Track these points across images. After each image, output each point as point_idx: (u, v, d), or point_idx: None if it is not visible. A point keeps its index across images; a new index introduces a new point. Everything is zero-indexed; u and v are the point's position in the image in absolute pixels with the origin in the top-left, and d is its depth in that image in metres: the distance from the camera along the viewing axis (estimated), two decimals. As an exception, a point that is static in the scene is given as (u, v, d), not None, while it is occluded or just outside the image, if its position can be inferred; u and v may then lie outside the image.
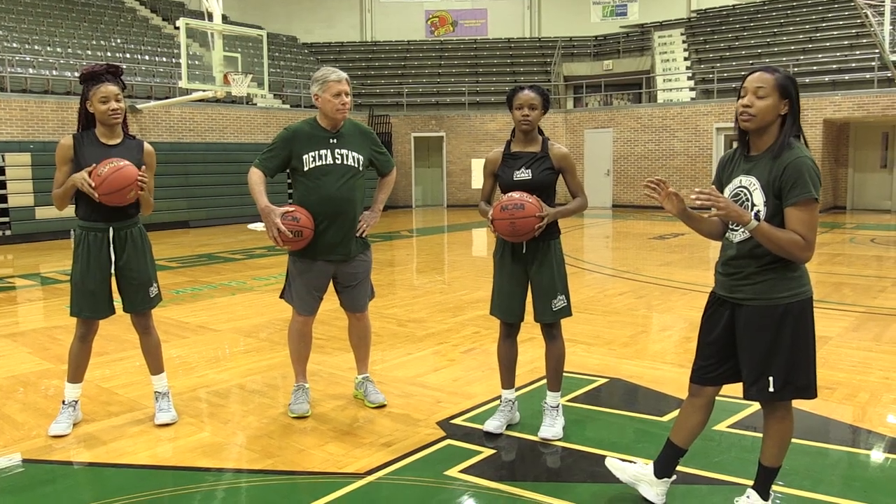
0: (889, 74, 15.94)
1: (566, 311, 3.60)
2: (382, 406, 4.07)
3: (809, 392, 2.61)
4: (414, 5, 27.16)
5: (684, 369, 4.72)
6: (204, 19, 13.92)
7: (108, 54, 17.45)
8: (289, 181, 3.83)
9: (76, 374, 3.81)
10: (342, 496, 3.00)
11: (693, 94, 20.25)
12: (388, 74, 24.23)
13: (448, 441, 3.59)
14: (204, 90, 13.26)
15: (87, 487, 3.17)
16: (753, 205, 2.49)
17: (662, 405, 4.10)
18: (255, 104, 18.38)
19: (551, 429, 3.61)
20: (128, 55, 17.89)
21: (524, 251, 3.55)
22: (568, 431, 3.70)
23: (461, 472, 3.23)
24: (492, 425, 3.68)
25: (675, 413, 3.97)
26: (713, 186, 2.57)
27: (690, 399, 2.84)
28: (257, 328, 6.15)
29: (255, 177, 3.81)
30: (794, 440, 3.54)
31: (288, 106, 19.55)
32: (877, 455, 3.47)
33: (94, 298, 3.70)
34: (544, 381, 4.56)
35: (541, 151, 3.57)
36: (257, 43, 17.36)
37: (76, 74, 15.69)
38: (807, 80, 17.91)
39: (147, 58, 18.29)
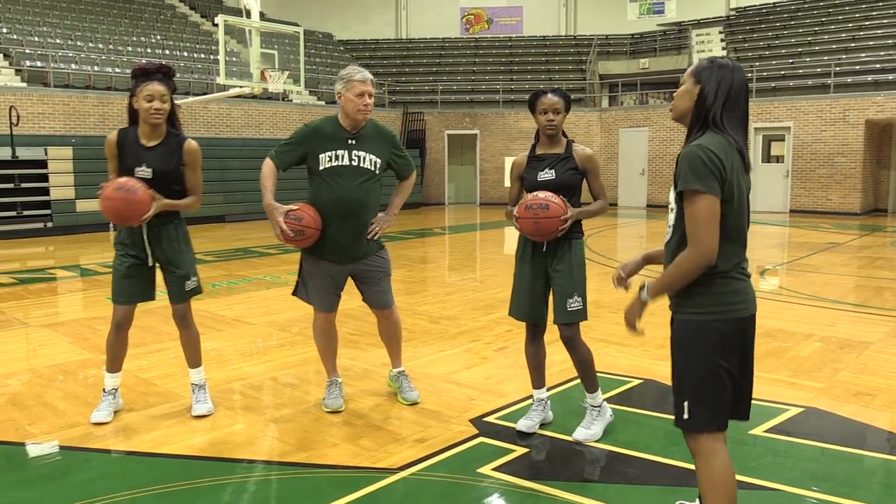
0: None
1: (581, 315, 3.53)
2: (415, 404, 4.07)
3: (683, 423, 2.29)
4: (449, 2, 27.15)
5: (720, 372, 4.66)
6: (241, 16, 14.08)
7: (148, 50, 17.74)
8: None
9: (114, 364, 3.89)
10: (377, 490, 3.02)
11: (731, 93, 19.91)
12: (422, 72, 24.27)
13: (481, 439, 3.59)
14: (241, 86, 13.41)
15: (124, 476, 3.23)
16: (672, 208, 2.30)
17: (697, 408, 4.05)
18: (291, 101, 18.55)
19: (586, 431, 3.59)
20: (167, 51, 18.17)
21: (545, 249, 3.54)
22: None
23: (494, 470, 3.23)
24: (525, 424, 3.68)
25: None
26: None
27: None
28: (291, 322, 6.21)
29: (267, 170, 3.81)
30: (832, 446, 3.50)
31: (323, 102, 19.69)
32: (919, 464, 3.39)
33: (129, 284, 3.78)
34: (577, 380, 4.57)
35: (565, 152, 3.58)
36: (293, 40, 17.50)
37: (117, 70, 16.00)
38: (849, 79, 17.54)
39: (185, 54, 18.55)
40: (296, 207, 3.74)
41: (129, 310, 3.85)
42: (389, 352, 4.22)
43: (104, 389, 3.93)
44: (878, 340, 5.46)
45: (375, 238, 3.89)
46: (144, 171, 3.67)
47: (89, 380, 4.61)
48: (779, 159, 18.15)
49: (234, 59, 17.50)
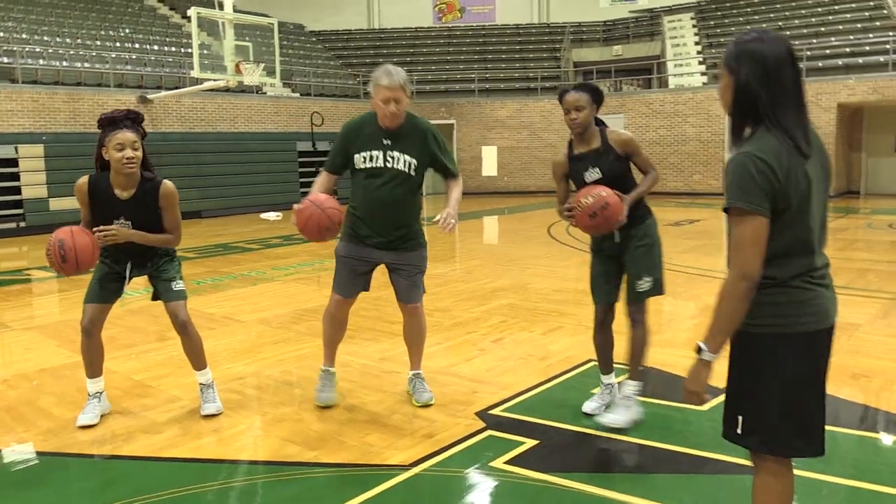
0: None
1: (650, 293, 3.56)
2: (428, 405, 3.98)
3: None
4: (421, -8, 26.99)
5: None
6: (212, 8, 13.86)
7: (118, 44, 17.41)
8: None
9: (91, 369, 3.83)
10: (391, 488, 3.00)
11: (705, 79, 20.10)
12: (396, 62, 23.99)
13: (489, 432, 3.58)
14: (216, 80, 13.21)
15: (132, 481, 3.16)
16: None
17: (700, 394, 4.07)
18: (265, 93, 18.33)
19: (613, 415, 3.55)
20: (136, 45, 17.85)
21: (617, 240, 3.56)
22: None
23: (506, 463, 3.22)
24: (590, 406, 3.76)
25: (714, 402, 3.96)
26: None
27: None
28: (283, 318, 6.14)
29: (321, 177, 3.82)
30: (835, 428, 3.54)
31: (298, 94, 19.48)
32: (922, 443, 3.44)
33: (100, 288, 3.74)
34: (578, 370, 4.58)
35: (602, 145, 3.54)
36: (266, 32, 17.30)
37: (86, 65, 15.68)
38: (820, 63, 17.76)
39: (156, 47, 18.24)
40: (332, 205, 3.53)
41: (97, 311, 3.74)
42: (410, 353, 4.14)
43: (89, 394, 3.86)
44: (866, 322, 5.53)
45: (451, 231, 3.67)
46: (123, 224, 3.61)
47: (82, 383, 4.50)
48: (753, 144, 18.35)
49: (205, 51, 17.22)
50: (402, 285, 3.94)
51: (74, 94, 14.39)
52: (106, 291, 3.76)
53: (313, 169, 18.23)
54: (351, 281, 3.90)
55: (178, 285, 3.82)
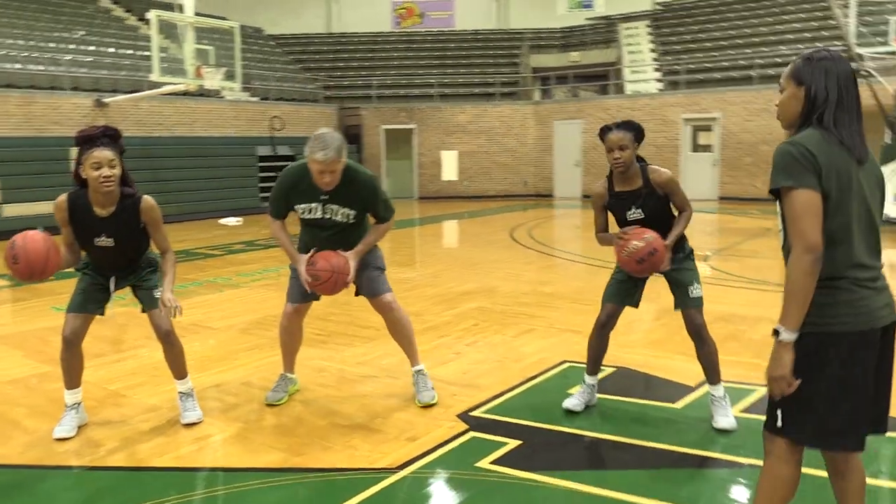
0: (855, 66, 16.37)
1: (702, 301, 3.68)
2: (430, 406, 4.02)
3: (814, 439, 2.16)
4: (380, -4, 26.99)
5: (685, 357, 4.82)
6: (170, 10, 13.68)
7: (72, 46, 17.03)
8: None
9: (70, 381, 3.77)
10: (382, 490, 3.04)
11: (660, 85, 20.54)
12: (355, 66, 24.07)
13: (472, 434, 3.64)
14: (176, 83, 13.03)
15: (116, 492, 3.13)
16: (778, 210, 2.19)
17: (673, 392, 4.20)
18: (224, 97, 18.12)
19: (725, 418, 3.63)
20: (92, 47, 17.48)
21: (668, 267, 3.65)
22: (588, 421, 3.78)
23: (492, 463, 3.28)
24: (571, 403, 3.85)
25: (688, 399, 4.10)
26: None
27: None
28: (254, 325, 6.12)
29: (274, 227, 3.94)
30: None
31: (257, 99, 19.30)
32: None
33: (84, 299, 3.72)
34: (553, 371, 4.68)
35: (644, 186, 3.61)
36: (225, 35, 17.10)
37: (40, 68, 15.30)
38: (771, 71, 18.30)
39: (112, 50, 17.88)
40: (313, 256, 3.77)
41: (80, 322, 3.70)
42: (403, 350, 4.21)
43: (66, 405, 3.80)
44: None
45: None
46: (105, 241, 3.59)
47: (53, 394, 4.43)
48: (707, 148, 18.80)
49: (163, 54, 16.97)
50: (365, 281, 4.01)
51: (28, 96, 14.04)
52: (89, 302, 3.72)
53: (273, 174, 18.03)
54: (300, 289, 3.94)
55: (159, 293, 3.79)
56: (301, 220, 3.93)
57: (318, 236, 3.87)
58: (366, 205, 3.87)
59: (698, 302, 3.66)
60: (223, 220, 15.55)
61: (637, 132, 3.57)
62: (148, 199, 3.64)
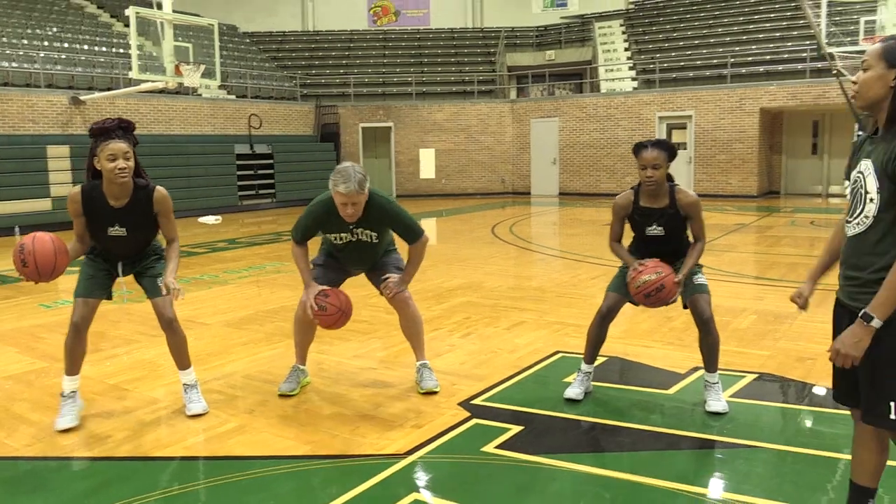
0: (819, 66, 16.77)
1: (706, 289, 3.77)
2: (432, 393, 4.14)
3: None
4: (355, -6, 26.98)
5: (674, 346, 5.01)
6: (144, 8, 13.57)
7: (45, 43, 16.82)
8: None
9: (73, 367, 3.81)
10: (393, 474, 3.13)
11: (635, 83, 20.82)
12: (332, 64, 24.04)
13: (475, 420, 3.74)
14: (155, 81, 12.95)
15: (126, 481, 3.18)
16: (867, 192, 2.19)
17: (665, 379, 4.35)
18: (201, 95, 18.02)
19: (719, 402, 3.75)
20: (66, 44, 17.28)
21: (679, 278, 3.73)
22: (585, 407, 3.91)
23: (497, 448, 3.39)
24: (573, 392, 3.96)
25: (680, 385, 4.25)
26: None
27: (855, 427, 2.46)
28: (247, 320, 6.16)
29: (297, 252, 4.07)
30: (790, 406, 3.86)
31: (234, 97, 19.22)
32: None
33: (92, 283, 3.78)
34: (547, 361, 4.80)
35: (669, 206, 3.72)
36: (201, 32, 17.01)
37: (14, 65, 15.11)
38: (743, 70, 18.68)
39: (85, 47, 17.69)
40: (327, 288, 3.94)
41: (88, 307, 3.76)
42: (412, 346, 4.33)
43: (62, 394, 3.83)
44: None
45: (390, 295, 4.07)
46: (118, 230, 3.68)
47: (54, 388, 4.45)
48: (681, 146, 19.11)
49: (139, 52, 16.85)
50: (377, 277, 4.15)
51: (2, 94, 13.86)
52: (97, 288, 3.78)
53: (252, 172, 18.03)
54: (321, 281, 4.07)
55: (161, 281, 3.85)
56: (326, 237, 4.13)
57: (345, 250, 4.06)
58: (389, 226, 4.05)
59: (703, 288, 3.77)
60: (202, 219, 15.49)
61: (671, 152, 3.67)
62: (161, 190, 3.74)
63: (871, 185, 2.15)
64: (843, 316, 2.32)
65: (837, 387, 2.43)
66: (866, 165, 2.20)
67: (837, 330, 2.36)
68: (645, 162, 3.64)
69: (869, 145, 2.25)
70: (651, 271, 3.59)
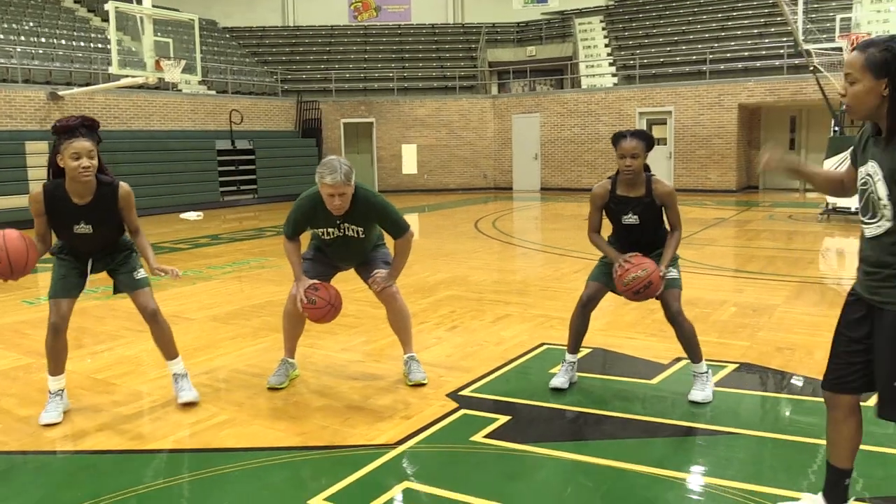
0: (797, 62, 17.00)
1: (677, 283, 3.82)
2: (420, 385, 4.19)
3: None
4: (336, -10, 26.89)
5: (657, 338, 5.09)
6: (126, 2, 13.46)
7: (22, 38, 16.63)
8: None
9: (56, 367, 3.82)
10: (384, 464, 3.18)
11: (615, 79, 20.98)
12: (313, 60, 23.97)
13: (463, 411, 3.80)
14: (135, 76, 12.86)
15: (118, 473, 3.20)
16: (879, 198, 2.21)
17: (649, 370, 4.43)
18: (181, 90, 17.91)
19: (702, 392, 3.82)
20: (43, 39, 17.09)
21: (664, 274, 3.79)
22: (570, 397, 3.98)
23: (485, 437, 3.45)
24: (558, 381, 4.03)
25: (663, 375, 4.34)
26: None
27: (830, 413, 2.51)
28: (233, 315, 6.18)
29: (289, 247, 4.13)
30: (771, 394, 3.96)
31: (214, 92, 19.12)
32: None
33: (66, 283, 3.78)
34: (533, 353, 4.87)
35: (645, 195, 3.78)
36: (178, 27, 16.91)
37: (-10, 60, 14.92)
38: (721, 66, 18.89)
39: (63, 42, 17.51)
40: (317, 283, 4.00)
41: (65, 307, 3.77)
42: (400, 339, 4.39)
43: (50, 392, 3.85)
44: (782, 302, 6.07)
45: (379, 290, 4.14)
46: (84, 228, 3.68)
47: (41, 384, 4.44)
48: (661, 141, 19.29)
49: (118, 47, 16.69)
50: (367, 272, 4.21)
51: (-22, 90, 13.70)
52: (71, 286, 3.78)
53: (233, 167, 17.96)
54: (311, 274, 4.13)
55: (139, 274, 3.89)
56: (315, 233, 4.20)
57: (334, 244, 4.12)
58: (376, 222, 4.10)
59: (674, 283, 3.83)
60: (184, 215, 15.42)
61: (649, 142, 3.75)
62: (125, 186, 3.76)
63: (882, 191, 2.20)
64: (856, 308, 2.37)
65: (836, 374, 2.45)
66: (874, 169, 2.22)
67: (844, 320, 2.43)
68: (624, 151, 3.71)
69: (874, 146, 2.25)
70: (637, 268, 3.67)
